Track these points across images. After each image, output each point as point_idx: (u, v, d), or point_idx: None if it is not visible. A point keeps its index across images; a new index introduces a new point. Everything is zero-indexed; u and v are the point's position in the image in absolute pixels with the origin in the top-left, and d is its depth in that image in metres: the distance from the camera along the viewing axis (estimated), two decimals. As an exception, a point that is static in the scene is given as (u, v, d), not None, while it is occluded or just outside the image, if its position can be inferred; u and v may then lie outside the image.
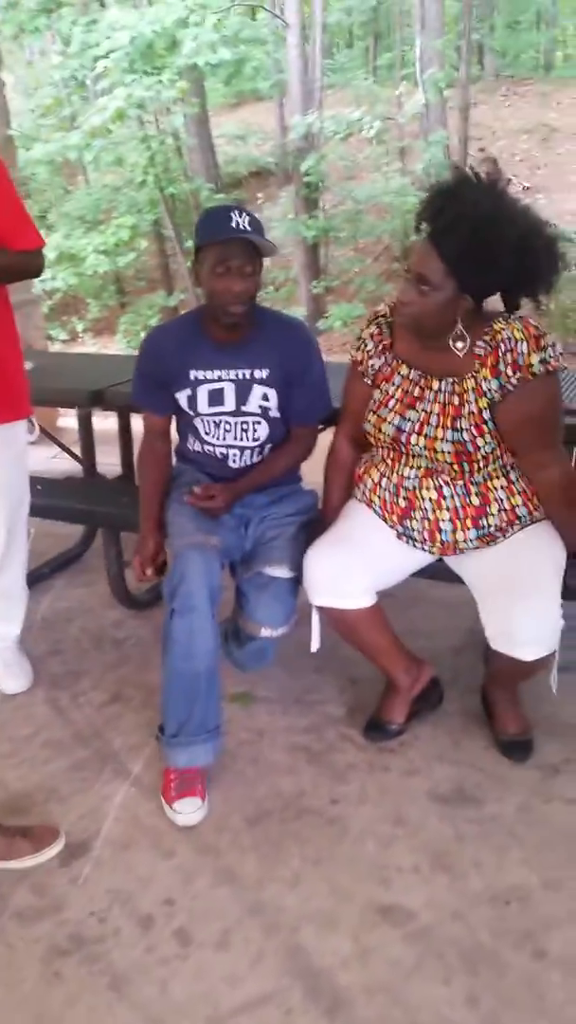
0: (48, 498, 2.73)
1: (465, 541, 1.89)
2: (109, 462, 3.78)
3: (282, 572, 1.97)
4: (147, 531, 2.12)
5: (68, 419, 4.68)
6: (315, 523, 2.10)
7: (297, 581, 1.98)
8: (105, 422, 3.67)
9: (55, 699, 2.36)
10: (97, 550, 3.02)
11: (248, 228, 1.83)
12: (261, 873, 1.70)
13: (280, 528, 2.06)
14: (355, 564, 1.89)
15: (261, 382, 2.01)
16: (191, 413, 2.06)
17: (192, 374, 2.02)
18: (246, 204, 11.91)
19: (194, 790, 1.88)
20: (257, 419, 2.04)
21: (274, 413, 2.05)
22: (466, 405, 1.79)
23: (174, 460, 2.25)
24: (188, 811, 1.85)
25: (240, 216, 1.84)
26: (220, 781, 1.96)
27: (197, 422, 2.07)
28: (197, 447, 2.13)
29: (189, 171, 11.23)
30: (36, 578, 3.08)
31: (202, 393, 2.03)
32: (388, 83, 12.70)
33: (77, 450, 3.43)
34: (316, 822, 1.83)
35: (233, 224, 1.83)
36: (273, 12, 10.15)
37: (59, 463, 4.18)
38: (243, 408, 2.03)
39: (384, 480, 1.94)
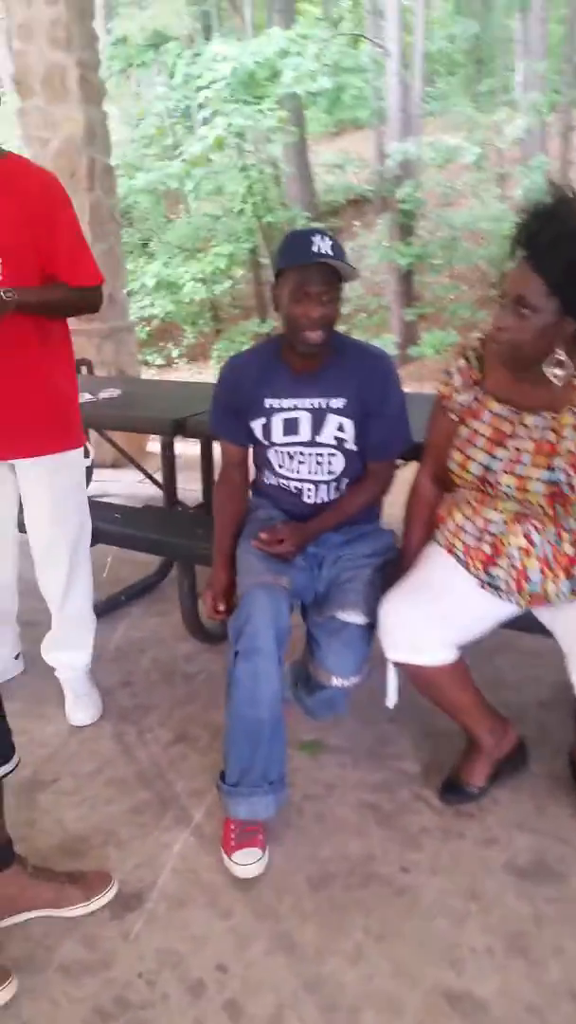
0: (125, 527, 2.72)
1: (556, 593, 1.74)
2: (193, 488, 3.77)
3: (356, 618, 1.86)
4: (219, 565, 2.05)
5: (157, 444, 4.73)
6: (393, 565, 1.99)
7: (372, 627, 1.87)
8: (193, 446, 3.66)
9: (122, 734, 2.31)
10: (174, 579, 2.98)
11: (329, 252, 1.76)
12: (321, 944, 1.58)
13: (355, 570, 1.96)
14: (434, 616, 1.77)
15: (337, 411, 1.92)
16: (266, 443, 2.00)
17: (268, 402, 1.96)
18: (342, 232, 11.93)
19: (255, 840, 1.79)
20: (332, 451, 1.95)
21: (350, 445, 1.95)
22: (563, 442, 1.65)
23: (250, 493, 2.18)
24: (247, 862, 1.76)
25: (322, 240, 1.77)
26: (283, 837, 1.86)
27: (271, 454, 2.00)
28: (272, 480, 2.06)
29: (287, 199, 11.34)
30: (112, 605, 3.08)
31: (277, 422, 1.96)
32: (489, 109, 12.53)
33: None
34: (384, 891, 1.70)
35: (315, 248, 1.76)
36: (374, 41, 10.17)
37: (145, 488, 4.21)
38: (318, 439, 1.94)
39: (468, 524, 1.81)
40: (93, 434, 4.54)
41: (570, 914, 1.62)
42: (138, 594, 3.20)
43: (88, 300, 2.09)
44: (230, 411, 2.03)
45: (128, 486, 4.54)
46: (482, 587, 1.81)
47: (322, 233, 1.81)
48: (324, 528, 1.99)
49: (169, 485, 3.24)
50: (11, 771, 1.59)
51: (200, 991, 1.49)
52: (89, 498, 3.07)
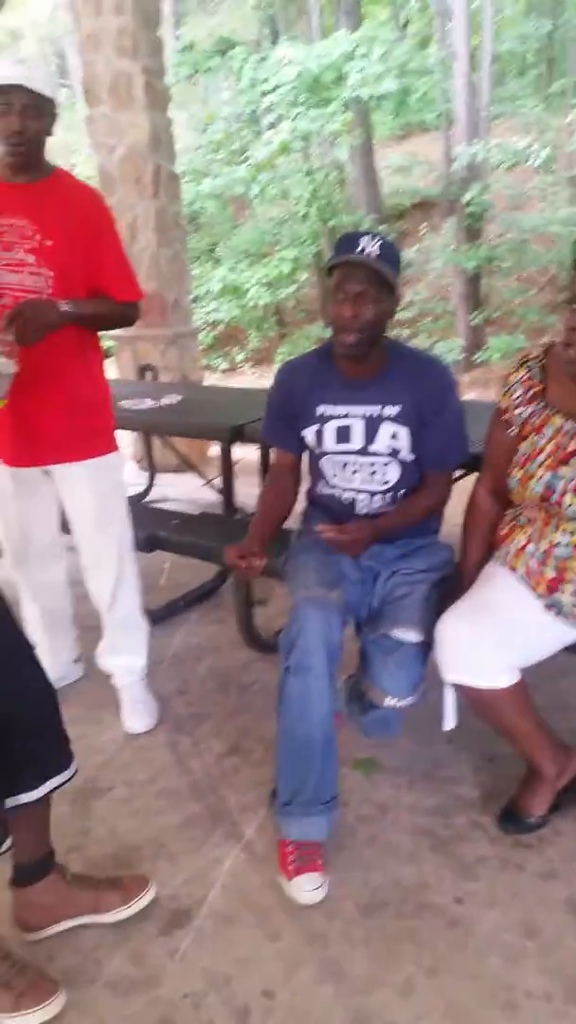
0: (182, 534, 2.72)
1: (624, 619, 1.67)
2: (253, 493, 3.75)
3: (411, 636, 1.81)
4: (251, 538, 1.93)
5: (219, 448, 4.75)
6: (450, 581, 1.93)
7: (428, 646, 1.81)
8: (254, 450, 3.65)
9: (176, 743, 2.31)
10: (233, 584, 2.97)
11: (375, 253, 1.72)
12: (370, 974, 1.54)
13: (410, 586, 1.91)
14: (494, 637, 1.70)
15: (391, 419, 1.88)
16: (318, 451, 1.97)
17: (320, 409, 1.93)
18: (408, 235, 11.80)
19: (315, 864, 1.75)
20: (386, 460, 1.91)
21: (405, 455, 1.90)
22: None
23: (304, 503, 2.15)
24: (310, 888, 1.72)
25: (370, 242, 1.74)
26: (335, 860, 1.82)
27: (324, 462, 1.97)
28: (325, 491, 2.02)
29: (353, 203, 11.27)
30: (171, 611, 3.09)
31: (329, 429, 1.93)
32: (560, 110, 12.24)
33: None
34: (437, 922, 1.65)
35: (359, 248, 1.73)
36: (442, 43, 10.04)
37: (205, 493, 4.23)
38: (371, 447, 1.90)
39: (531, 545, 1.75)
40: (155, 439, 4.58)
41: None
42: (197, 600, 3.20)
43: (129, 314, 2.18)
44: (283, 417, 2.01)
45: (189, 491, 4.56)
46: (546, 610, 1.74)
47: (373, 235, 1.78)
48: (391, 526, 1.92)
49: (227, 491, 3.23)
50: (67, 780, 1.59)
51: (245, 1017, 1.46)
52: (148, 504, 3.06)
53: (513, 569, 1.78)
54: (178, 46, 10.25)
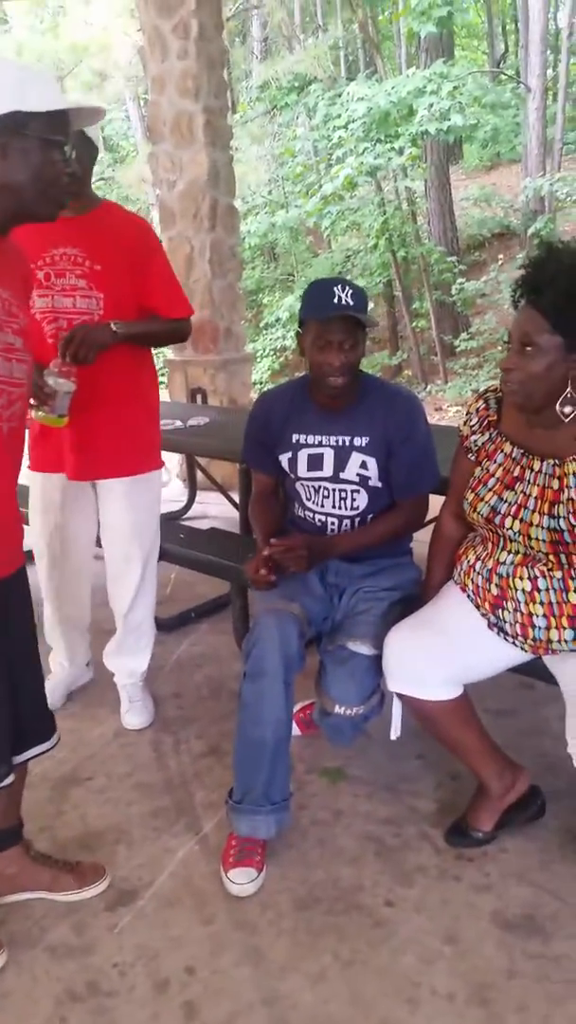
0: (184, 547, 2.87)
1: (559, 642, 1.72)
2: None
3: (364, 649, 1.90)
4: (258, 555, 2.04)
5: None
6: (413, 601, 2.02)
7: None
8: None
9: (159, 742, 2.44)
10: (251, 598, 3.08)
11: (350, 303, 1.84)
12: (288, 961, 1.62)
13: (372, 602, 2.00)
14: (438, 652, 1.78)
15: (360, 449, 1.99)
16: (292, 476, 2.08)
17: (295, 437, 2.05)
18: (484, 265, 11.83)
19: (251, 860, 1.85)
20: (356, 488, 2.01)
21: (374, 483, 2.01)
22: (566, 491, 1.65)
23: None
24: (241, 882, 1.82)
25: (343, 291, 1.85)
26: (281, 857, 1.91)
27: (298, 487, 2.09)
28: (300, 513, 2.14)
29: (429, 235, 11.41)
30: (182, 621, 3.24)
31: (302, 457, 2.04)
32: None
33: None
34: (362, 922, 1.72)
35: (335, 300, 1.85)
36: (511, 76, 10.11)
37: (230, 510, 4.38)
38: (341, 475, 2.01)
39: (479, 564, 1.82)
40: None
41: (545, 973, 1.58)
42: (208, 612, 3.34)
43: (180, 329, 2.33)
44: (261, 443, 2.14)
45: (228, 510, 4.72)
46: (489, 628, 1.81)
47: (343, 283, 1.90)
48: (339, 545, 2.03)
49: (244, 509, 3.37)
50: (48, 749, 1.71)
51: (164, 988, 1.57)
52: (171, 519, 3.20)
53: (464, 587, 1.86)
54: (257, 82, 10.66)
